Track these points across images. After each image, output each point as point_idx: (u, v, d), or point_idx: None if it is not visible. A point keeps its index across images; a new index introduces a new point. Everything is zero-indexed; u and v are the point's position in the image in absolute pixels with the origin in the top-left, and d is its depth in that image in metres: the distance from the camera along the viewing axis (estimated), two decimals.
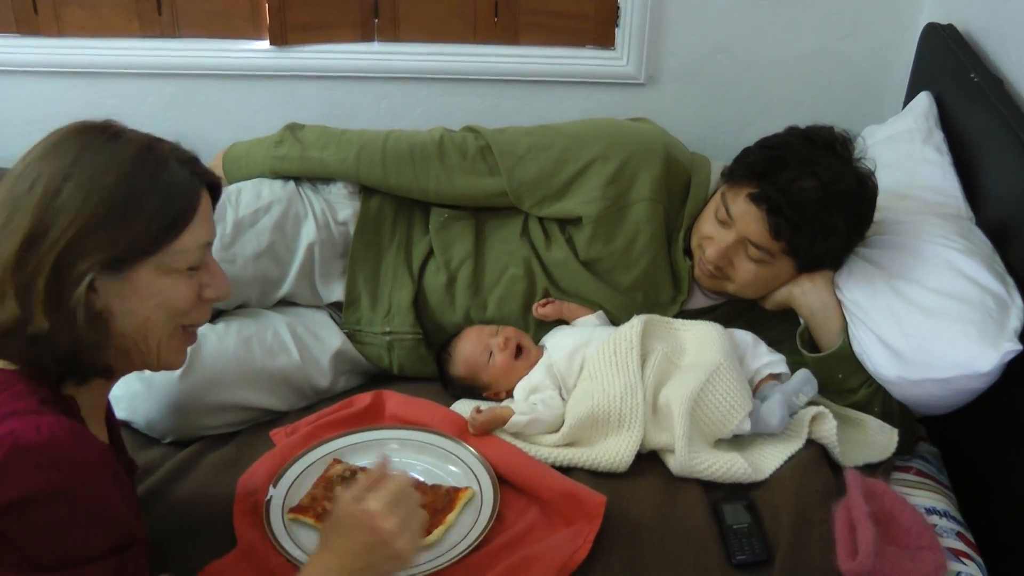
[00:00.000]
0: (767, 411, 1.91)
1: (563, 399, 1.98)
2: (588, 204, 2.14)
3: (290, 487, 1.77)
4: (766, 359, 2.04)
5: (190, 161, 1.44)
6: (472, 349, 2.09)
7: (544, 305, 2.13)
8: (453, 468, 1.84)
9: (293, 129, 2.27)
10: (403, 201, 2.25)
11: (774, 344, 2.09)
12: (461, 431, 1.91)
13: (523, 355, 2.07)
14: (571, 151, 2.16)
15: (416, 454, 1.87)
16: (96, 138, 1.36)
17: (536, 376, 2.02)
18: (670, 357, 2.01)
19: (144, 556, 1.36)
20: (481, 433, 1.91)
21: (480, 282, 2.19)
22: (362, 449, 1.87)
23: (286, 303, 2.21)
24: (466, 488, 1.78)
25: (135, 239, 1.35)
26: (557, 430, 1.92)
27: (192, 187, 1.42)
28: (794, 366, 2.04)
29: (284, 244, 2.16)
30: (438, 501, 1.74)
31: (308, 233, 2.17)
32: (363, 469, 1.80)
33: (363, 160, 2.21)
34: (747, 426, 1.90)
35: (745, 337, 2.06)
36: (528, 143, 2.18)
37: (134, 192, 1.34)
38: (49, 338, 1.29)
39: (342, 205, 2.25)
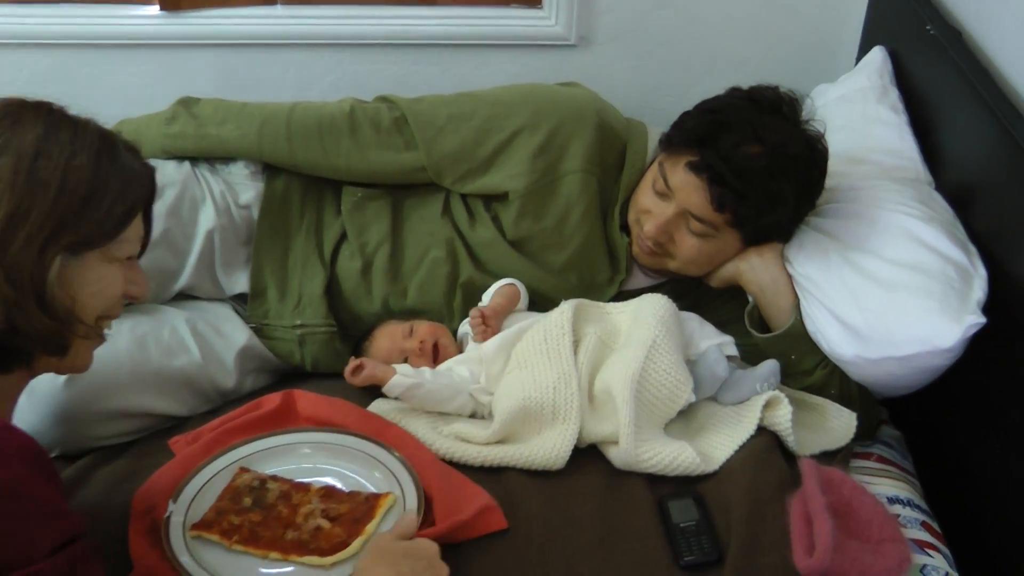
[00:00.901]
0: (712, 360, 1.95)
1: (477, 384, 2.01)
2: (515, 178, 2.16)
3: (192, 501, 1.74)
4: (715, 340, 2.06)
5: (134, 150, 1.59)
6: (386, 356, 2.09)
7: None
8: (375, 473, 1.82)
9: (187, 104, 2.26)
10: (312, 180, 2.25)
11: (722, 326, 2.12)
12: (378, 431, 1.90)
13: (441, 355, 2.08)
14: (495, 120, 2.18)
15: (330, 458, 1.85)
16: (58, 117, 1.49)
17: (452, 363, 2.05)
18: (604, 341, 2.02)
19: (91, 549, 1.39)
20: (361, 387, 1.94)
21: (399, 267, 2.19)
22: (272, 455, 1.85)
23: (185, 297, 2.19)
24: (387, 494, 1.77)
25: (101, 223, 1.48)
26: (447, 411, 1.96)
27: (144, 175, 1.58)
28: (743, 349, 2.09)
29: (180, 231, 2.13)
30: (356, 509, 1.73)
31: (207, 218, 2.16)
32: (273, 478, 1.79)
33: (266, 136, 2.21)
34: (692, 398, 1.93)
35: (690, 319, 2.08)
36: (448, 113, 2.20)
37: (102, 176, 1.48)
38: (9, 318, 1.40)
39: (244, 186, 2.23)
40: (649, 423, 1.91)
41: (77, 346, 1.54)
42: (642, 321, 1.99)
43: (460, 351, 2.12)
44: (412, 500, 1.75)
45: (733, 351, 2.05)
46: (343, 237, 2.22)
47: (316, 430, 1.91)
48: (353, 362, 1.96)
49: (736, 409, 2.00)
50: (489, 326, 2.06)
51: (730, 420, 1.98)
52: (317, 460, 1.85)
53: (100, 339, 1.60)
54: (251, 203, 2.22)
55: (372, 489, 1.79)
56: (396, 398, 1.95)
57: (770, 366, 1.98)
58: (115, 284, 1.55)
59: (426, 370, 1.99)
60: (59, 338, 1.49)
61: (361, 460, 1.84)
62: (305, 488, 1.77)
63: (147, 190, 1.59)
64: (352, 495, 1.77)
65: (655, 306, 2.03)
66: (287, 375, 2.19)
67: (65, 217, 1.44)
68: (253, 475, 1.81)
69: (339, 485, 1.80)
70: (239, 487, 1.77)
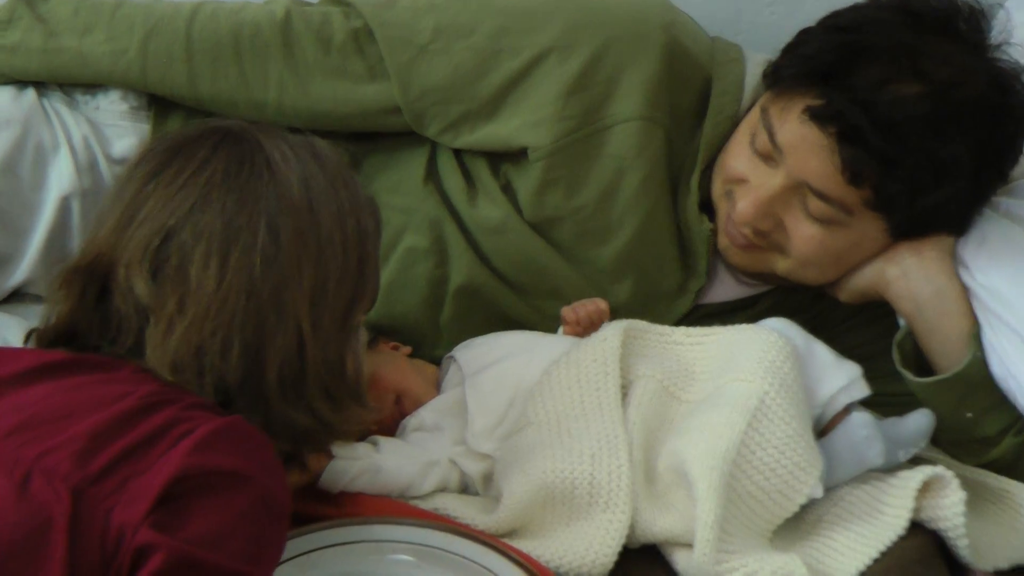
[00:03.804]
0: (856, 431, 1.90)
1: (458, 445, 1.98)
2: (537, 127, 2.09)
3: None
4: (841, 379, 1.97)
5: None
6: None
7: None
8: None
9: (32, 1, 2.17)
10: None
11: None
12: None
13: (409, 409, 2.05)
14: (508, 37, 2.11)
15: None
16: (277, 141, 1.64)
17: (424, 413, 2.02)
18: (668, 388, 1.97)
19: None
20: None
21: None
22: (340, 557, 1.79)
23: (24, 297, 2.17)
24: None
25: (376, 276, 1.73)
26: (417, 495, 1.92)
27: (370, 201, 1.79)
28: (889, 401, 2.01)
29: (17, 198, 2.10)
30: None
31: (60, 178, 2.11)
32: None
33: (153, 53, 2.13)
34: (818, 492, 1.85)
35: (816, 351, 1.99)
36: (435, 24, 2.13)
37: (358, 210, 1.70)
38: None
39: (119, 129, 2.18)
40: (743, 525, 1.84)
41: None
42: (741, 365, 1.92)
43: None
44: None
45: (860, 391, 1.97)
46: None
47: (393, 522, 1.84)
48: None
49: (873, 491, 1.90)
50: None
51: (864, 509, 1.89)
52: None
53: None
54: (130, 155, 2.09)
55: None
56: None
57: (920, 421, 1.92)
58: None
59: (379, 439, 1.95)
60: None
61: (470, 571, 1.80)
62: None
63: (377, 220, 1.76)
64: None
65: (764, 341, 1.94)
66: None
67: (355, 278, 1.64)
68: None
69: None
70: None
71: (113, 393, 1.49)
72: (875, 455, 1.88)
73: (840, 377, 1.96)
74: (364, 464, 1.87)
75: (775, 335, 1.95)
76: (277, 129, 1.68)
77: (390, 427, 2.04)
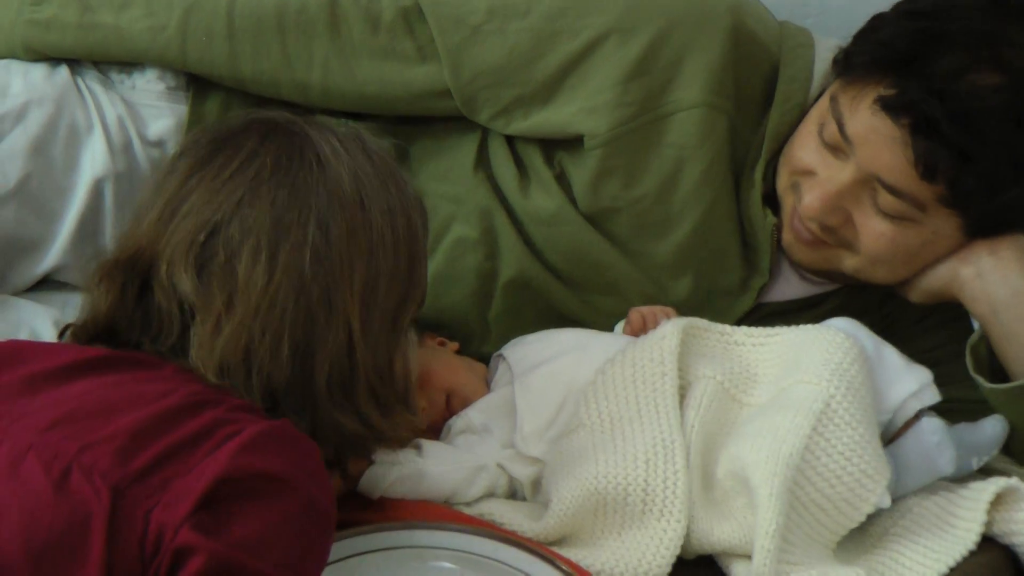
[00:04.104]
0: (927, 438, 1.89)
1: (507, 448, 1.98)
2: (595, 113, 2.08)
3: None
4: (912, 384, 1.95)
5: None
6: None
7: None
8: None
9: None
10: (264, 105, 2.14)
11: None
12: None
13: (458, 408, 2.04)
14: (565, 19, 2.10)
15: None
16: (390, 164, 1.70)
17: (472, 414, 2.02)
18: (729, 391, 1.97)
19: None
20: None
21: None
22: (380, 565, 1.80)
23: (52, 285, 2.18)
24: None
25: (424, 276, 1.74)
26: (464, 501, 1.91)
27: (418, 200, 1.82)
28: (961, 407, 2.00)
29: (49, 180, 2.10)
30: None
31: (94, 160, 2.11)
32: None
33: (193, 30, 2.13)
34: (885, 502, 1.83)
35: (886, 354, 1.97)
36: (489, 3, 2.13)
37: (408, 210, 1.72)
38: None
39: (155, 110, 2.18)
40: (805, 536, 1.83)
41: None
42: (805, 367, 1.90)
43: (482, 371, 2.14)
44: None
45: (932, 397, 1.95)
46: None
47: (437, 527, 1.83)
48: None
49: (943, 503, 1.90)
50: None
51: (933, 522, 1.88)
52: None
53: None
54: (166, 137, 2.16)
55: None
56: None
57: (995, 427, 1.92)
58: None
59: (422, 443, 1.93)
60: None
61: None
62: None
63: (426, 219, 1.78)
64: None
65: (830, 342, 1.93)
66: None
67: (405, 277, 1.66)
68: None
69: None
70: None
71: (155, 391, 1.50)
72: (946, 462, 1.87)
73: (911, 382, 1.95)
74: (406, 470, 1.87)
75: (841, 336, 1.94)
76: (325, 121, 1.69)
77: (440, 426, 2.04)
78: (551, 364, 2.02)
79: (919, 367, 1.97)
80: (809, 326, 2.01)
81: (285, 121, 1.64)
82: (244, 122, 1.65)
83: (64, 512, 1.35)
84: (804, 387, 1.87)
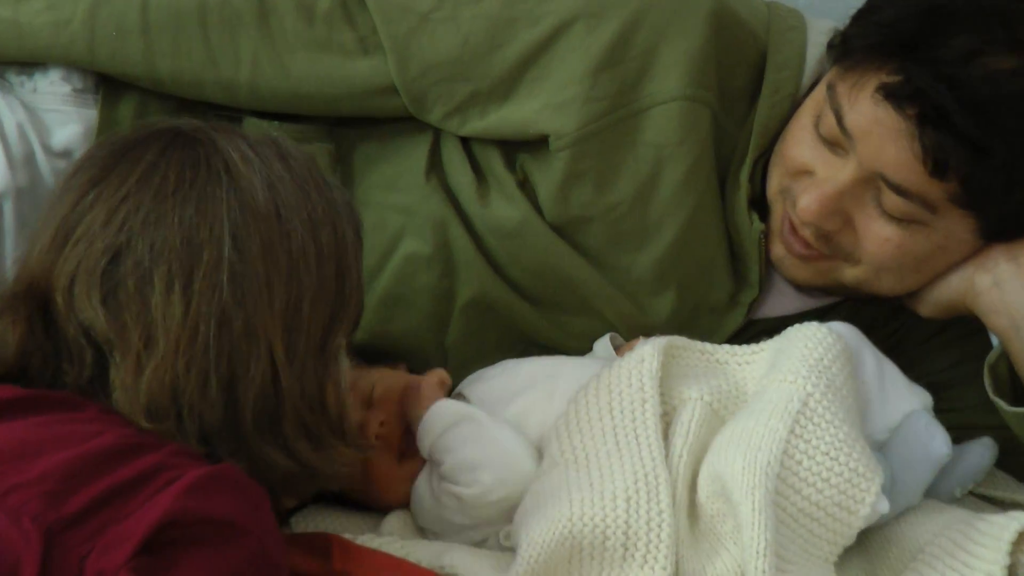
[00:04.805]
0: (919, 429, 1.89)
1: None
2: (561, 110, 2.03)
3: None
4: (914, 403, 1.94)
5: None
6: None
7: None
8: None
9: None
10: (185, 107, 2.14)
11: (936, 390, 2.01)
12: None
13: (412, 444, 2.00)
14: (525, 3, 2.07)
15: None
16: (311, 169, 1.67)
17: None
18: (717, 411, 1.94)
19: None
20: None
21: None
22: None
23: None
24: None
25: (360, 293, 1.71)
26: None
27: (349, 205, 1.81)
28: (977, 434, 1.97)
29: None
30: None
31: None
32: None
33: (102, 24, 2.07)
34: (884, 506, 1.81)
35: (881, 365, 1.97)
36: None
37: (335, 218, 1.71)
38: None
39: (61, 117, 2.12)
40: (802, 550, 1.81)
41: None
42: (782, 365, 1.90)
43: None
44: None
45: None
46: None
47: None
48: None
49: (960, 540, 1.81)
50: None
51: (949, 563, 1.80)
52: None
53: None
54: (73, 146, 2.10)
55: None
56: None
57: (981, 454, 1.92)
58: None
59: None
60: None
61: None
62: None
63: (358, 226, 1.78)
64: None
65: (810, 338, 1.91)
66: None
67: (333, 296, 1.64)
68: None
69: None
70: None
71: (84, 431, 1.45)
72: (940, 444, 1.86)
73: (913, 401, 1.93)
74: (466, 412, 1.93)
75: (824, 331, 1.93)
76: (234, 127, 1.68)
77: (398, 445, 2.00)
78: (518, 402, 1.97)
79: (920, 388, 1.96)
80: (794, 326, 1.98)
81: (190, 128, 1.61)
82: (144, 132, 1.62)
83: None
84: (780, 386, 1.86)
